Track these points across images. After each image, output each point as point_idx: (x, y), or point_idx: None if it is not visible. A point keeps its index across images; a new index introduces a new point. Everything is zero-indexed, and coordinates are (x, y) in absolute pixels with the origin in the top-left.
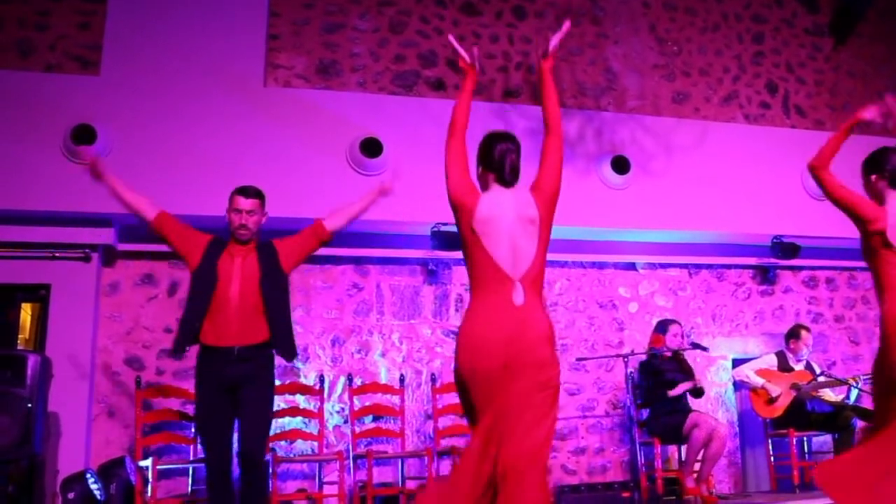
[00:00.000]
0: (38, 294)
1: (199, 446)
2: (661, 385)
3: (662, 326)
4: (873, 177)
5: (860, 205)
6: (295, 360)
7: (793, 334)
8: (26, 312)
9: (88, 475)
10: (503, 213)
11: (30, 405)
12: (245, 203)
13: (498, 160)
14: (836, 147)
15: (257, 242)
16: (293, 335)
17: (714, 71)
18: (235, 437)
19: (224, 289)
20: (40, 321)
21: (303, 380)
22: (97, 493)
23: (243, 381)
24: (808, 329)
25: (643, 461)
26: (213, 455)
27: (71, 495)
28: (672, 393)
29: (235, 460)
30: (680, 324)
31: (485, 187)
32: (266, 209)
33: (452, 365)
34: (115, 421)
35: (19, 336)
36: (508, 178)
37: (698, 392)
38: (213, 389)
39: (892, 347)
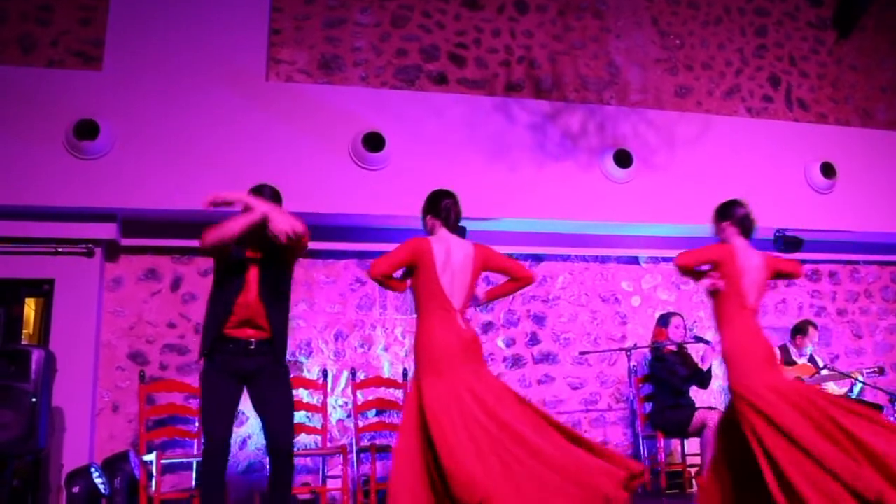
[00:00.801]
0: (42, 289)
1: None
2: (675, 378)
3: (664, 320)
4: (723, 224)
5: (712, 255)
6: (287, 358)
7: (800, 330)
8: (30, 307)
9: (93, 469)
10: (453, 255)
11: (34, 400)
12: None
13: (444, 212)
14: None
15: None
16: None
17: (717, 64)
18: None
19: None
20: (44, 316)
21: (306, 374)
22: (101, 487)
23: (259, 374)
24: (815, 326)
25: (646, 455)
26: (214, 441)
27: (75, 489)
28: (704, 365)
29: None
30: (681, 316)
31: (432, 231)
32: (283, 207)
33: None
34: (119, 416)
35: (23, 331)
36: (453, 226)
37: (704, 380)
38: (227, 377)
39: (731, 378)
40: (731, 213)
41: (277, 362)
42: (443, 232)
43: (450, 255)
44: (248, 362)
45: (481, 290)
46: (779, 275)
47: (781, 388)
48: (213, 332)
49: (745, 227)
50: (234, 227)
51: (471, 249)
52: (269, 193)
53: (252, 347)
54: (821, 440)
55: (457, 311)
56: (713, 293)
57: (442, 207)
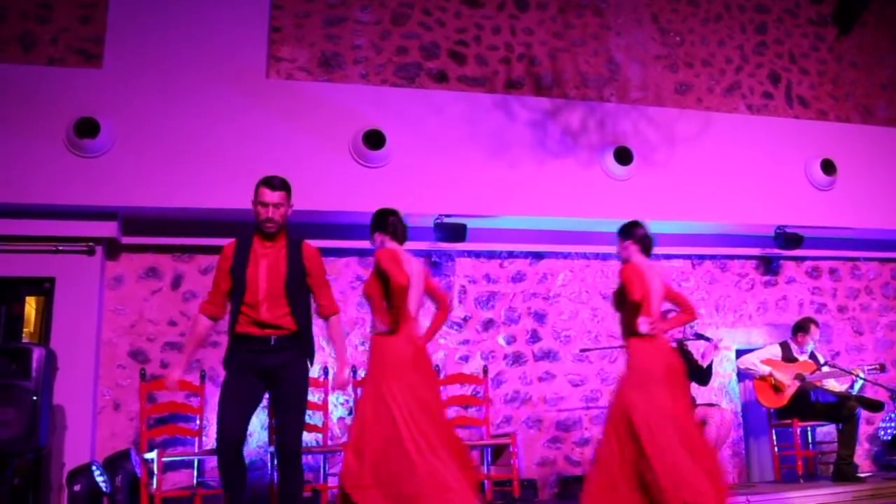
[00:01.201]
0: (43, 287)
1: (204, 438)
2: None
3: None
4: (626, 242)
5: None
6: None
7: (801, 328)
8: (31, 306)
9: (94, 467)
10: (414, 270)
11: (35, 398)
12: (272, 196)
13: (392, 227)
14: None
15: (287, 238)
16: (312, 337)
17: (717, 61)
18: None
19: (253, 291)
20: (45, 314)
21: None
22: (103, 485)
23: (278, 371)
24: (817, 324)
25: None
26: (227, 430)
27: (77, 487)
28: (704, 362)
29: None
30: None
31: (381, 246)
32: (292, 200)
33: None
34: (121, 414)
35: (24, 329)
36: (401, 240)
37: (704, 377)
38: (245, 371)
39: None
40: (632, 233)
41: (295, 359)
42: (394, 245)
43: (411, 266)
44: (266, 359)
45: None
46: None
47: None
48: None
49: (646, 245)
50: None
51: (421, 266)
52: (279, 185)
53: (272, 343)
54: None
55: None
56: (625, 306)
57: (389, 223)
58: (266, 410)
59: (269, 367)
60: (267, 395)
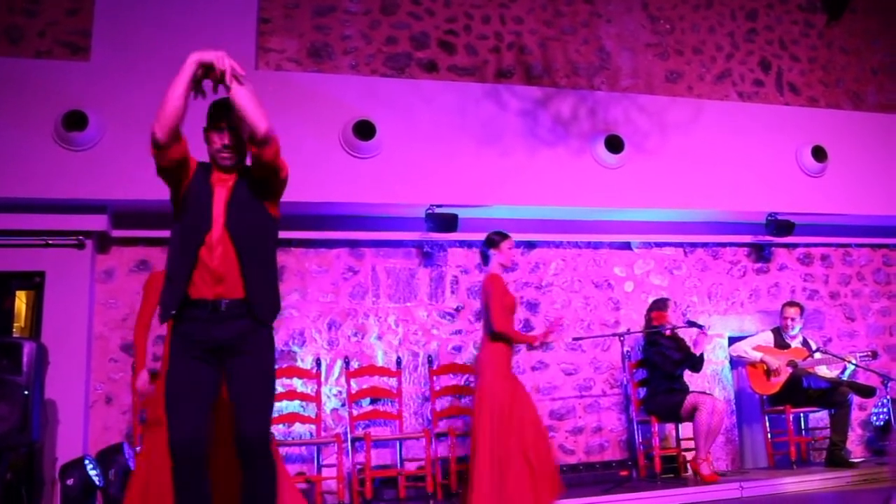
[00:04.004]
0: (33, 281)
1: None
2: (668, 363)
3: (663, 304)
4: (493, 251)
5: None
6: (273, 328)
7: (781, 311)
8: (21, 300)
9: (87, 461)
10: None
11: (27, 392)
12: (218, 116)
13: None
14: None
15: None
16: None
17: (707, 49)
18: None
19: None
20: (35, 308)
21: (299, 363)
22: (96, 478)
23: (233, 346)
24: (792, 304)
25: (641, 440)
26: (182, 435)
27: (70, 481)
28: (697, 350)
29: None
30: (674, 301)
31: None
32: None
33: None
34: (113, 407)
35: (14, 324)
36: None
37: (697, 365)
38: (193, 352)
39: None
40: (497, 244)
41: (254, 330)
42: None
43: None
44: (218, 330)
45: None
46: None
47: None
48: (176, 292)
49: (508, 257)
50: (170, 92)
51: None
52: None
53: (223, 310)
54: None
55: None
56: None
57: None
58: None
59: (223, 340)
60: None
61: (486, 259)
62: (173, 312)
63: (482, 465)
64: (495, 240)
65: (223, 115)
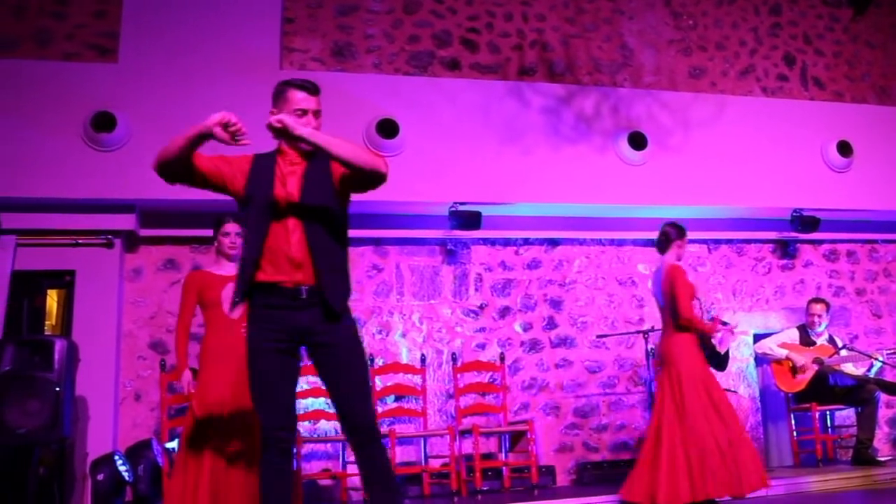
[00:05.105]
0: (64, 280)
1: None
2: None
3: None
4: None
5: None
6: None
7: (807, 308)
8: (52, 299)
9: (116, 457)
10: None
11: (58, 389)
12: (311, 101)
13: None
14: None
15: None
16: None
17: (730, 44)
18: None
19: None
20: (66, 307)
21: None
22: (125, 474)
23: (315, 333)
24: (818, 301)
25: None
26: (273, 422)
27: (100, 477)
28: (721, 348)
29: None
30: (697, 298)
31: None
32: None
33: None
34: (142, 404)
35: (46, 322)
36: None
37: (722, 362)
38: (276, 339)
39: None
40: (674, 236)
41: (333, 316)
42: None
43: None
44: (299, 317)
45: None
46: None
47: None
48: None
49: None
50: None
51: None
52: (315, 89)
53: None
54: None
55: None
56: None
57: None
58: None
59: (306, 327)
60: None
61: (665, 247)
62: (238, 300)
63: (676, 452)
64: (680, 229)
65: (313, 100)
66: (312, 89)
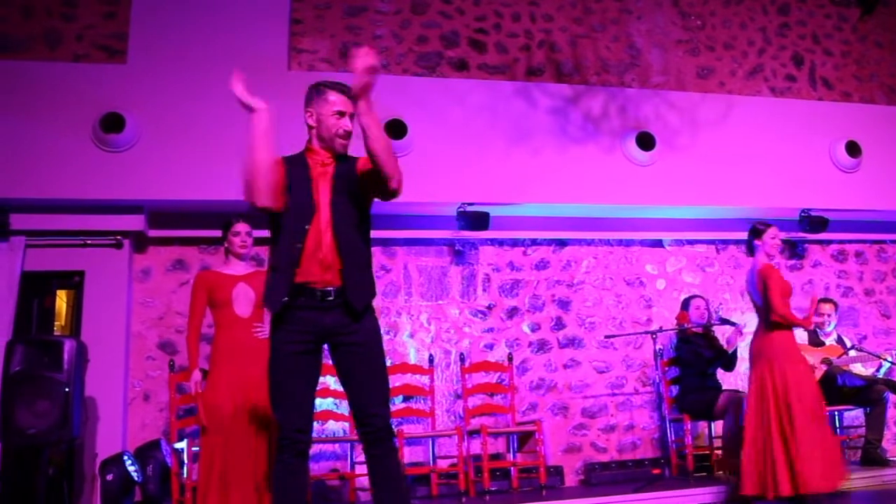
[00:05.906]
0: (73, 281)
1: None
2: (701, 361)
3: (685, 303)
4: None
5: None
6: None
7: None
8: (61, 299)
9: (126, 457)
10: None
11: (67, 389)
12: (349, 105)
13: None
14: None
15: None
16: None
17: (739, 44)
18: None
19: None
20: (75, 307)
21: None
22: (134, 474)
23: (339, 333)
24: (826, 301)
25: (673, 438)
26: (291, 423)
27: (109, 477)
28: (729, 348)
29: None
30: (703, 298)
31: None
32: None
33: None
34: (151, 404)
35: (55, 322)
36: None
37: (729, 363)
38: (302, 340)
39: None
40: (761, 234)
41: (357, 317)
42: None
43: None
44: (327, 317)
45: None
46: None
47: None
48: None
49: (773, 246)
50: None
51: None
52: (349, 92)
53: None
54: None
55: None
56: None
57: None
58: None
59: (331, 327)
60: None
61: (751, 250)
62: (285, 300)
63: (789, 444)
64: (760, 230)
65: (350, 104)
66: (349, 93)
